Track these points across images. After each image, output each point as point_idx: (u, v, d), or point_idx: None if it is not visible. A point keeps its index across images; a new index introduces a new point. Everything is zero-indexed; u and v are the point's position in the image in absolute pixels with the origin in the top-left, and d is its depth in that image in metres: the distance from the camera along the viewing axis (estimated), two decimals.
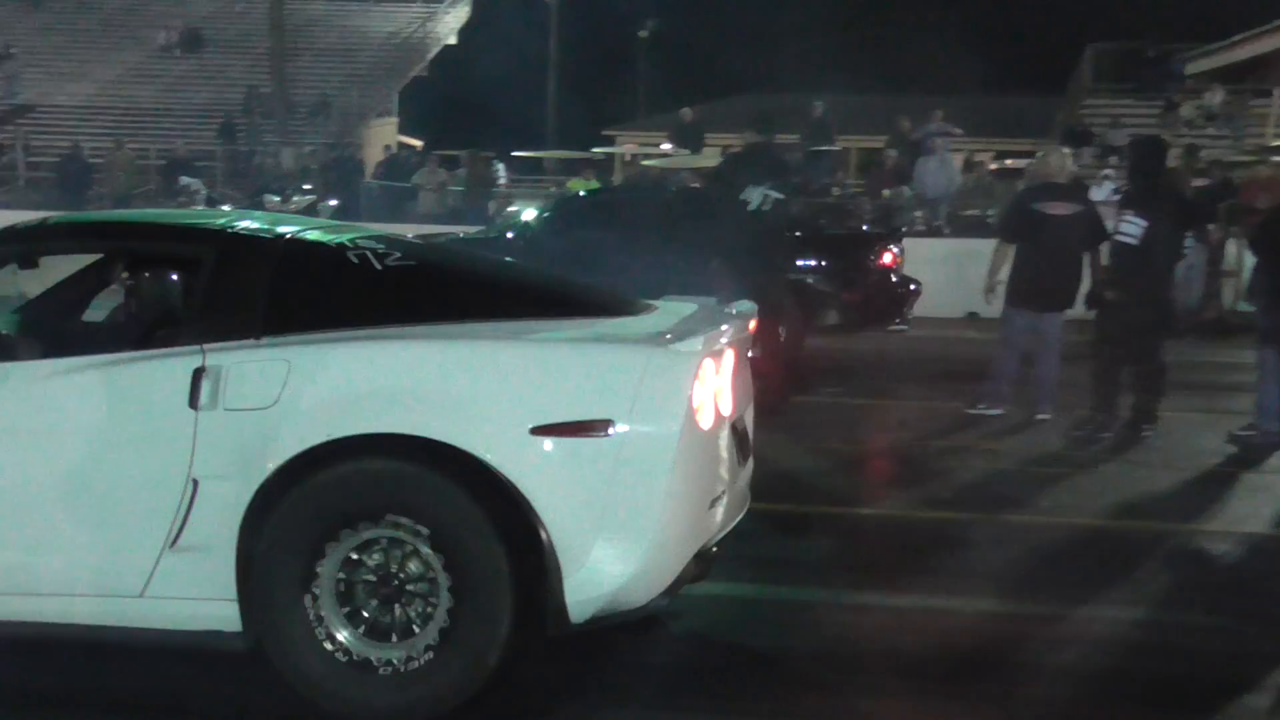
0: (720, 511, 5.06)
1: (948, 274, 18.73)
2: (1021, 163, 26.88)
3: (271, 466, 4.59)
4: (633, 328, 5.16)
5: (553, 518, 4.52)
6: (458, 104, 39.79)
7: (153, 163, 29.52)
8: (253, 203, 24.96)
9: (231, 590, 4.65)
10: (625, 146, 36.76)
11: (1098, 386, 9.98)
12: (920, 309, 18.03)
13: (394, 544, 4.62)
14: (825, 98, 26.14)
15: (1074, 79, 35.39)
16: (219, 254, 5.12)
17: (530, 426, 4.56)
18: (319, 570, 4.62)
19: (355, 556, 4.65)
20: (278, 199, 25.27)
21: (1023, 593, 6.44)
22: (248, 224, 5.56)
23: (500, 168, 28.50)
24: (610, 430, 4.56)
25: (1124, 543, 7.38)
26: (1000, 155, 30.46)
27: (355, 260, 5.20)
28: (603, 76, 45.97)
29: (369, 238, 5.53)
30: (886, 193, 23.84)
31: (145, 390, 4.77)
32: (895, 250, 13.99)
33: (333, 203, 24.87)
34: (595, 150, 31.76)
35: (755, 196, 11.02)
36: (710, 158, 26.25)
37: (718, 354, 4.91)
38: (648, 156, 30.17)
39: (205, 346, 4.77)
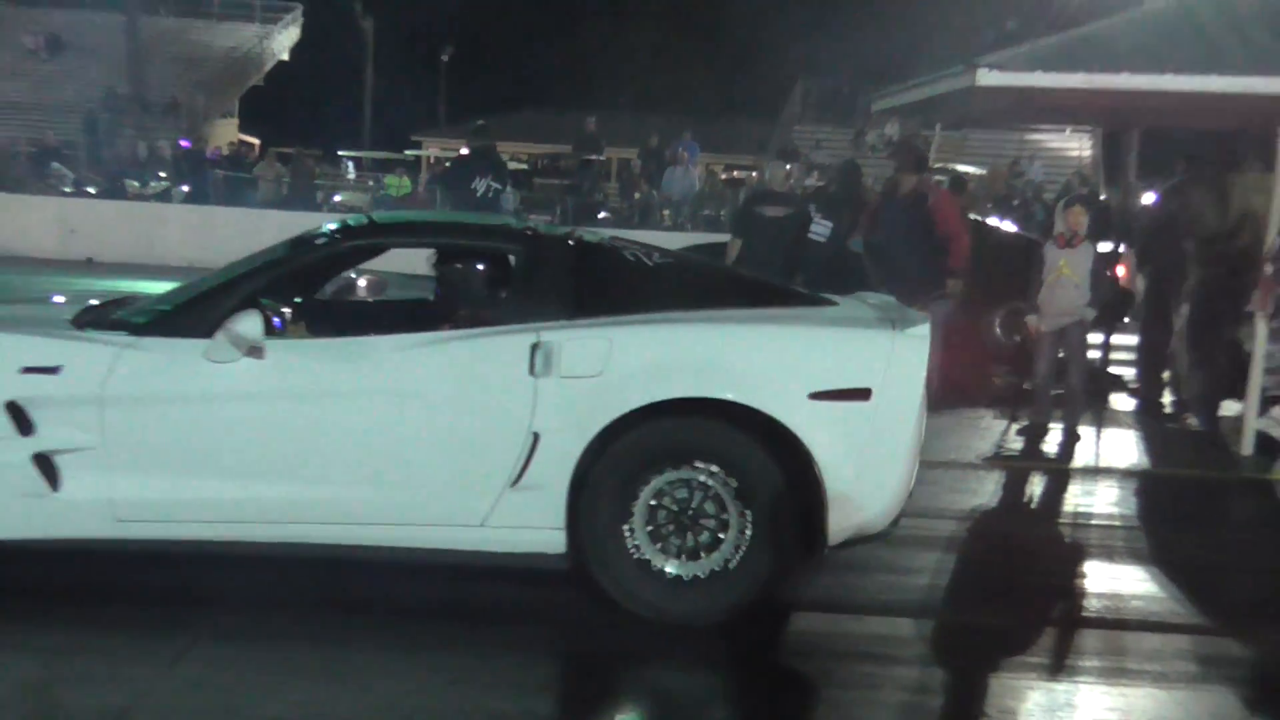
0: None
1: None
2: (743, 174, 27.83)
3: (602, 423, 4.61)
4: (861, 315, 5.26)
5: (825, 463, 4.61)
6: (289, 109, 39.02)
7: (26, 150, 28.20)
8: (114, 186, 24.21)
9: (560, 521, 4.68)
10: (430, 150, 36.62)
11: None
12: None
13: (697, 484, 4.70)
14: (596, 114, 26.36)
15: (786, 109, 36.33)
16: (528, 251, 5.18)
17: (809, 392, 4.65)
18: (635, 503, 4.70)
19: (666, 492, 4.73)
20: (137, 184, 24.52)
21: None
22: (535, 226, 5.67)
23: (350, 165, 28.23)
24: (869, 396, 4.68)
25: None
26: (729, 167, 31.25)
27: (631, 257, 5.32)
28: (411, 90, 45.37)
29: (619, 239, 5.70)
30: (637, 195, 24.35)
31: (491, 360, 4.74)
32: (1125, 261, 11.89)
33: (185, 188, 24.22)
34: (406, 152, 31.60)
35: (481, 186, 11.56)
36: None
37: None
38: (449, 160, 30.14)
39: (533, 325, 4.76)
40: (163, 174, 25.26)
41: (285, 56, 41.11)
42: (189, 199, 22.78)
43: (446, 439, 4.72)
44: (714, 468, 4.70)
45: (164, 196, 23.48)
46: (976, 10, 31.51)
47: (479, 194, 11.60)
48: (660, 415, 4.67)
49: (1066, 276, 8.41)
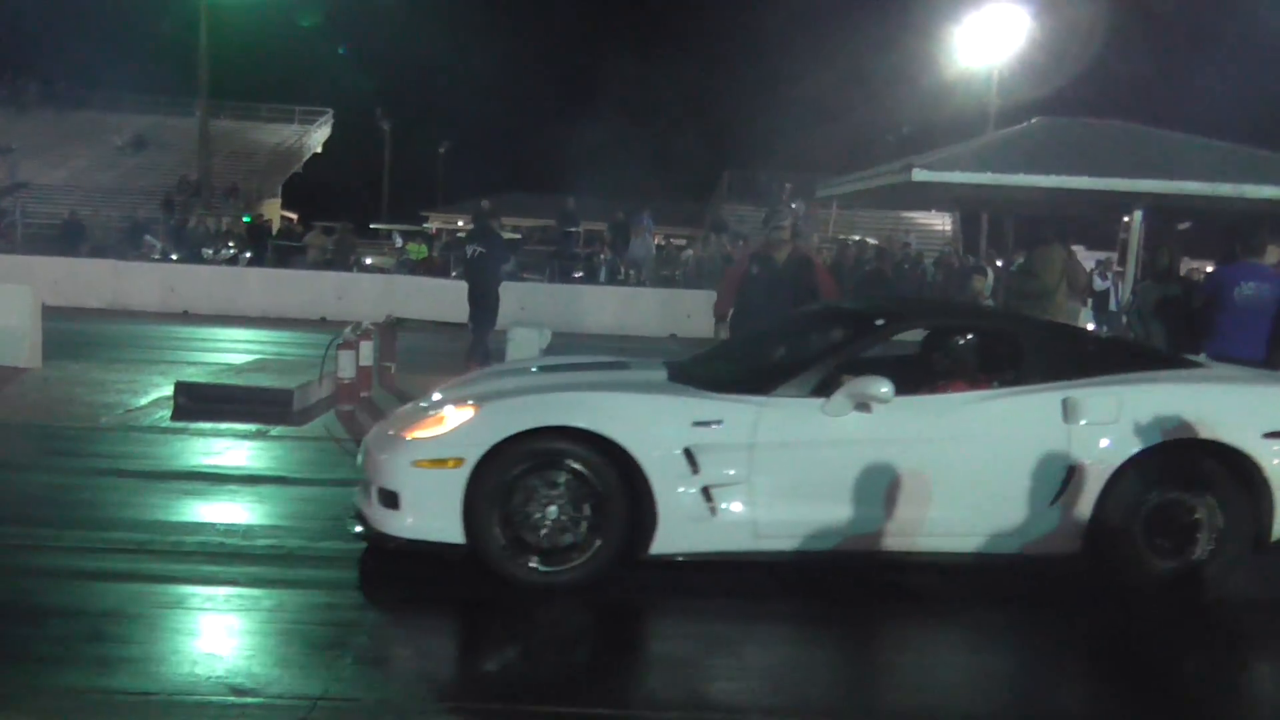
0: None
1: (653, 309, 19.60)
2: (681, 242, 28.19)
3: (1122, 457, 4.88)
4: (1260, 375, 5.65)
5: (1275, 484, 4.91)
6: (322, 191, 38.96)
7: (115, 227, 27.90)
8: (192, 253, 24.02)
9: (1082, 530, 4.89)
10: (433, 223, 36.59)
11: None
12: (634, 328, 18.78)
13: (1183, 501, 4.95)
14: (574, 195, 26.52)
15: (716, 191, 37.01)
16: (1028, 330, 5.42)
17: (1263, 432, 4.95)
18: (1138, 515, 4.93)
19: (1160, 505, 4.94)
20: (211, 252, 24.33)
21: None
22: (1017, 312, 6.47)
23: (399, 237, 28.36)
24: None
25: None
26: (667, 237, 31.54)
27: (1089, 335, 5.76)
28: (419, 175, 45.60)
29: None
30: (603, 257, 24.54)
31: (1035, 412, 4.95)
32: None
33: (248, 255, 24.07)
34: (425, 225, 31.63)
35: (470, 250, 11.76)
36: (504, 233, 26.54)
37: None
38: (454, 232, 30.14)
39: (1055, 385, 4.98)
40: (232, 244, 25.14)
41: (319, 149, 41.09)
42: (251, 264, 22.70)
43: (1005, 471, 4.90)
44: (1196, 487, 4.97)
45: (233, 262, 23.38)
46: (868, 117, 32.32)
47: (468, 256, 11.88)
48: (1158, 451, 4.93)
49: None
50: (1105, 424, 4.92)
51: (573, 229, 25.40)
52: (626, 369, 5.82)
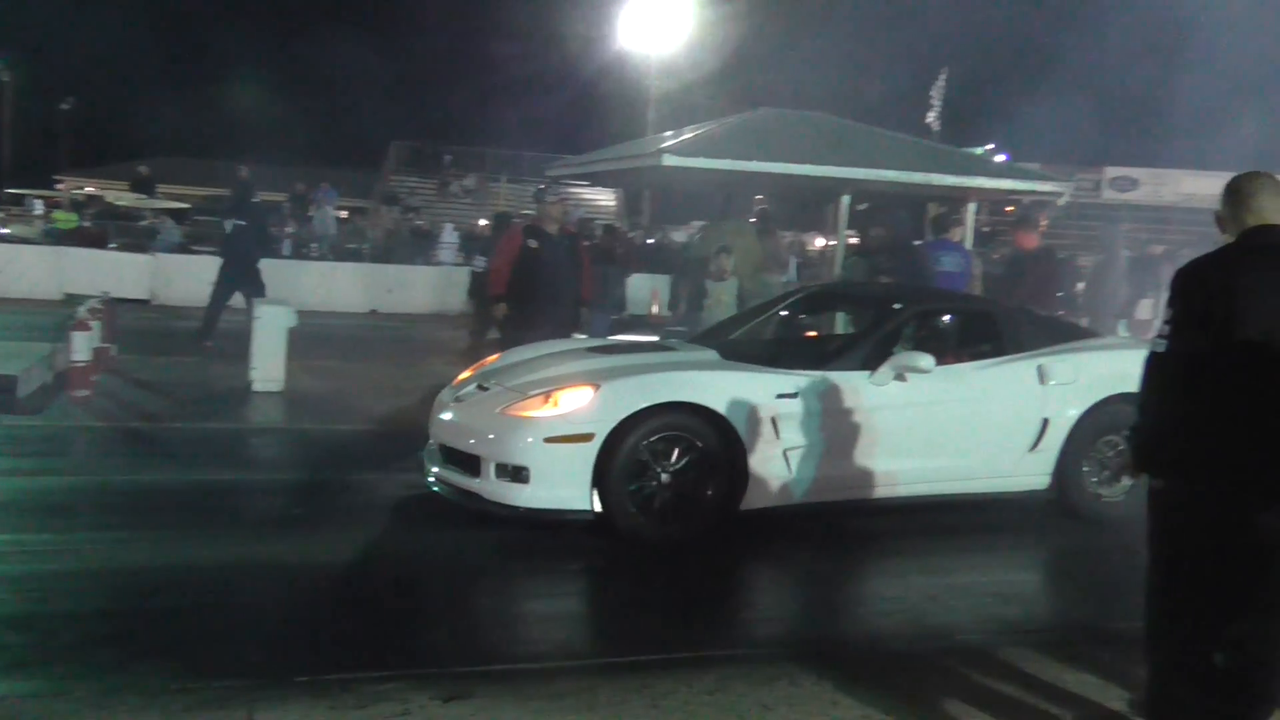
0: None
1: (353, 284, 18.87)
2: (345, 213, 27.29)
3: (1080, 409, 5.98)
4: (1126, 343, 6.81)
5: None
6: None
7: None
8: None
9: (1050, 469, 6.00)
10: (67, 188, 32.80)
11: None
12: (335, 304, 17.92)
13: (1114, 444, 5.96)
14: (245, 163, 24.69)
15: (385, 163, 36.09)
16: (1002, 313, 6.48)
17: None
18: (1089, 454, 6.01)
19: (1103, 447, 6.03)
20: None
21: None
22: (982, 297, 7.85)
23: (39, 204, 24.96)
24: None
25: None
26: (343, 209, 30.43)
27: (1041, 314, 6.95)
28: (39, 135, 40.29)
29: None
30: (289, 230, 23.34)
31: (1020, 376, 5.98)
32: None
33: None
34: (73, 192, 28.18)
35: (228, 225, 11.59)
36: (168, 202, 24.41)
37: None
38: (95, 198, 27.18)
39: (1029, 355, 6.03)
40: None
41: None
42: None
43: (998, 424, 5.92)
44: (1121, 429, 5.71)
45: None
46: (529, 86, 32.74)
47: (227, 231, 11.60)
48: (1105, 404, 6.00)
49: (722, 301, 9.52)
50: (1068, 384, 6.06)
51: (252, 200, 23.88)
52: (675, 350, 6.30)
